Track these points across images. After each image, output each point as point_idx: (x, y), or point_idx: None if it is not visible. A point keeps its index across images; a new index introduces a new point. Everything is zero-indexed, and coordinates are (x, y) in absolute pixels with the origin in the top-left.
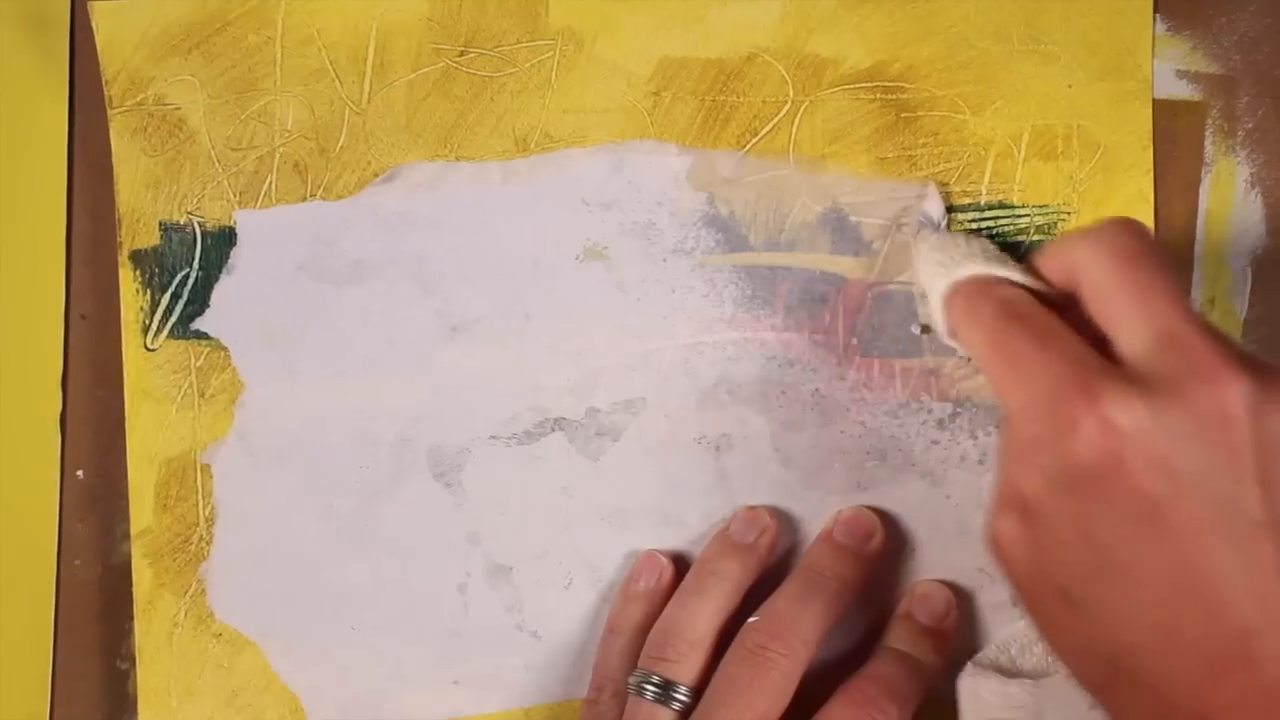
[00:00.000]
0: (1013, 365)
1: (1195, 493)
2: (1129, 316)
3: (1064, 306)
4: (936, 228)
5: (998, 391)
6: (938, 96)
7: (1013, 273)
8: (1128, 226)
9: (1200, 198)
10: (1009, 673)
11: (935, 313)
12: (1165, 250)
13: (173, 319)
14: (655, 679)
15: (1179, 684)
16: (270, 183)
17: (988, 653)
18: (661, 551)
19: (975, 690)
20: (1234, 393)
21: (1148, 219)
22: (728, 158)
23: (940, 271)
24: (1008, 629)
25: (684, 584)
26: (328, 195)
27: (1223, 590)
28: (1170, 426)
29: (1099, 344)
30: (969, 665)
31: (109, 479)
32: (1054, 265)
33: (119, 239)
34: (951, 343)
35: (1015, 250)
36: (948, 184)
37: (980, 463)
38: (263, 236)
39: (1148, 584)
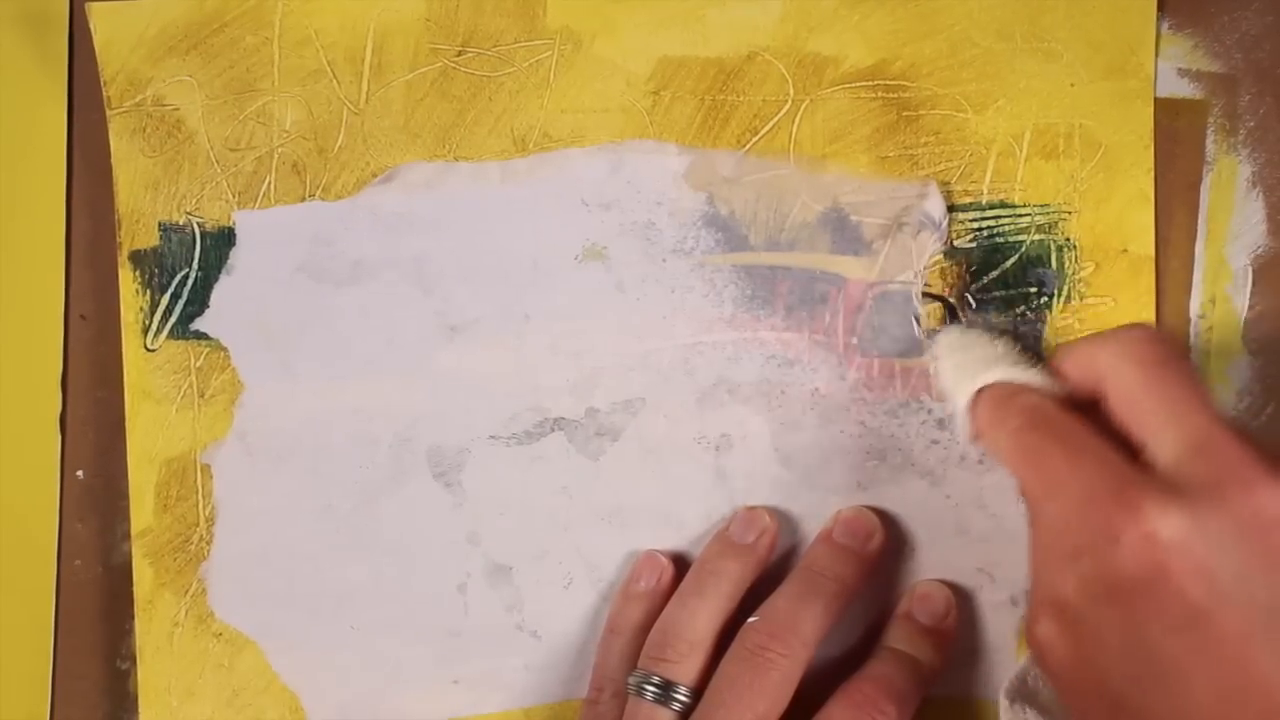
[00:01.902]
0: (1045, 476)
1: (1240, 599)
2: (1160, 424)
3: (1087, 409)
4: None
5: (1028, 498)
6: (939, 95)
7: (1036, 377)
8: (1148, 332)
9: (1201, 196)
10: (1032, 701)
11: (959, 417)
12: (1187, 354)
13: (172, 319)
14: (655, 679)
15: None
16: (269, 183)
17: (1013, 685)
18: (661, 551)
19: None
20: (1270, 497)
21: (1148, 218)
22: (727, 157)
23: (962, 376)
24: (1024, 660)
25: (684, 584)
26: (326, 195)
27: (1273, 695)
28: (1210, 535)
29: (1127, 449)
30: (1005, 702)
31: (109, 479)
32: (1076, 369)
33: (118, 239)
34: (975, 446)
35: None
36: (949, 183)
37: (980, 463)
38: (262, 237)
39: (1198, 691)
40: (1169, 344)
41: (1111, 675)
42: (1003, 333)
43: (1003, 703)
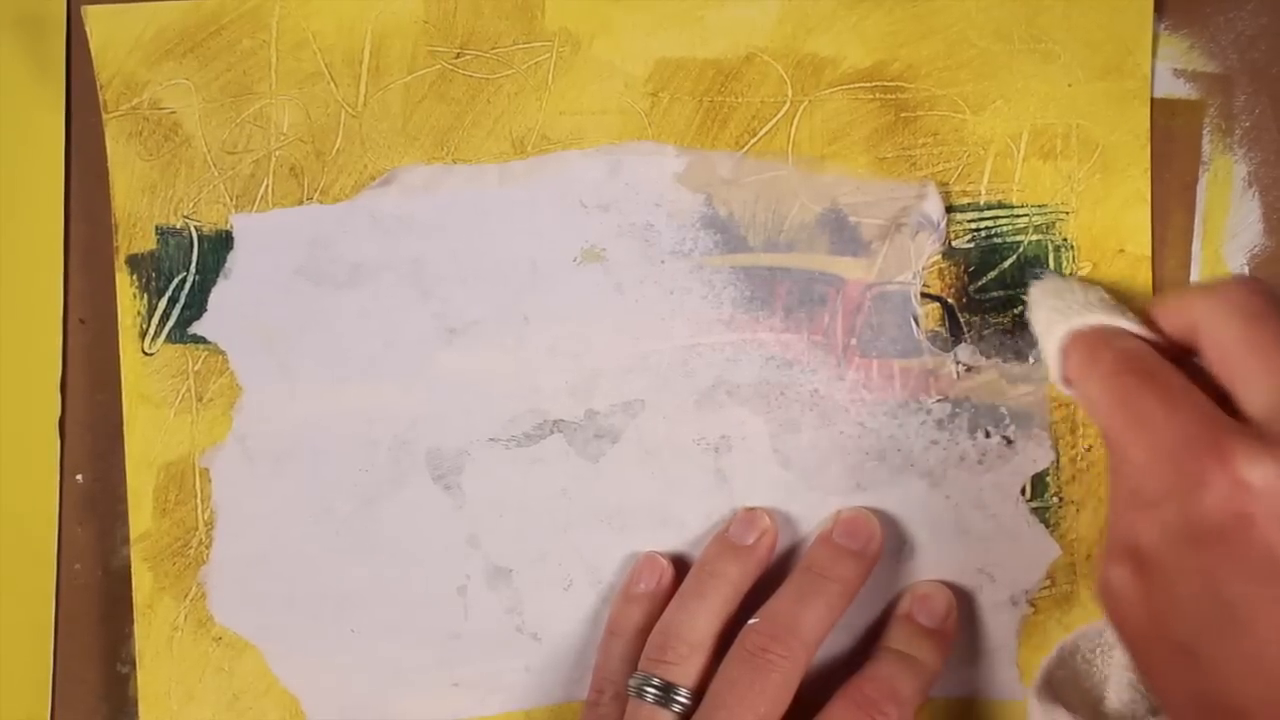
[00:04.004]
0: (1136, 419)
1: None
2: (1255, 374)
3: (1180, 359)
4: (1051, 274)
5: (1114, 442)
6: (937, 96)
7: (1131, 324)
8: (1253, 284)
9: (1198, 196)
10: (1061, 699)
11: (1050, 359)
12: None
13: (170, 323)
14: (656, 681)
15: None
16: (266, 186)
17: (1040, 684)
18: (661, 553)
19: None
20: None
21: (1145, 218)
22: (726, 158)
23: (1057, 319)
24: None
25: (684, 586)
26: (324, 198)
27: None
28: None
29: (1219, 399)
30: (1036, 703)
31: (108, 483)
32: (1171, 318)
33: (116, 243)
34: (1064, 389)
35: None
36: (947, 184)
37: (979, 462)
38: (259, 240)
39: (1273, 641)
40: (1269, 297)
41: (1182, 622)
42: (1096, 282)
43: (1033, 703)
